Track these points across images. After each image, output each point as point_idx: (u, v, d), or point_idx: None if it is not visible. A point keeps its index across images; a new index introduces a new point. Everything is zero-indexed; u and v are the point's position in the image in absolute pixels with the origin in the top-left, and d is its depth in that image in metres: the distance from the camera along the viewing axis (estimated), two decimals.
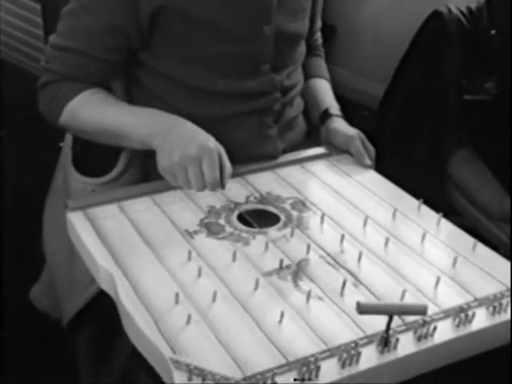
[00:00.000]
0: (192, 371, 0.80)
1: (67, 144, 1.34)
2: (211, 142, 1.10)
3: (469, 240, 1.08)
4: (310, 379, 0.81)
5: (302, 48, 1.37)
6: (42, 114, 1.25)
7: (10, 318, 1.58)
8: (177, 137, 1.11)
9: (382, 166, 1.31)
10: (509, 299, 0.94)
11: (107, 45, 1.18)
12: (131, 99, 1.27)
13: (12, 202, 1.77)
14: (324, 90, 1.44)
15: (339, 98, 1.44)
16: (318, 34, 1.51)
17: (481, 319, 0.92)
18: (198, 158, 1.08)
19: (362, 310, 0.83)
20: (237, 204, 1.14)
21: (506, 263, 1.04)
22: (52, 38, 1.22)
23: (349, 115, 1.39)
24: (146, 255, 1.01)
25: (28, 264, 1.48)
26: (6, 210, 1.75)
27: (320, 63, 1.51)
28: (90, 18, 1.16)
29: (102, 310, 1.17)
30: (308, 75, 1.44)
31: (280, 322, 0.89)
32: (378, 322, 0.86)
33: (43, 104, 1.24)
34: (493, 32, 1.54)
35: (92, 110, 1.19)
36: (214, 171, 1.08)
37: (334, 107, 1.39)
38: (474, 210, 1.72)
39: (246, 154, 1.24)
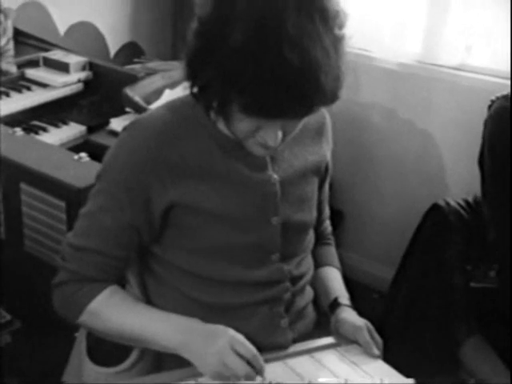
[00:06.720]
0: None
1: (82, 333, 1.36)
2: (229, 331, 1.17)
3: None
4: None
5: (311, 236, 1.40)
6: (57, 312, 1.28)
7: None
8: (200, 343, 1.17)
9: (392, 351, 1.31)
10: None
11: (121, 242, 1.24)
12: (145, 287, 1.31)
13: None
14: (334, 279, 1.46)
15: (349, 281, 1.46)
16: (327, 223, 1.53)
17: None
18: (230, 347, 1.14)
19: None
20: None
21: None
22: (69, 236, 1.27)
23: (359, 298, 1.41)
24: None
25: None
26: None
27: (330, 252, 1.52)
28: (106, 218, 1.22)
29: None
30: (318, 264, 1.46)
31: None
32: None
33: (59, 302, 1.27)
34: None
35: (112, 315, 1.23)
36: (247, 347, 1.15)
37: (344, 296, 1.40)
38: None
39: (257, 343, 1.22)
